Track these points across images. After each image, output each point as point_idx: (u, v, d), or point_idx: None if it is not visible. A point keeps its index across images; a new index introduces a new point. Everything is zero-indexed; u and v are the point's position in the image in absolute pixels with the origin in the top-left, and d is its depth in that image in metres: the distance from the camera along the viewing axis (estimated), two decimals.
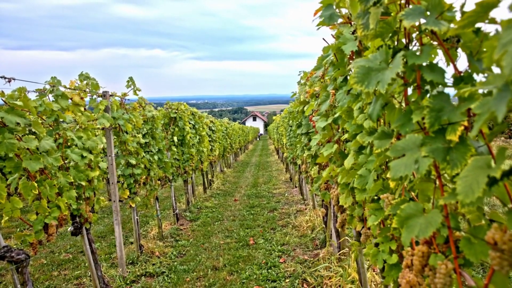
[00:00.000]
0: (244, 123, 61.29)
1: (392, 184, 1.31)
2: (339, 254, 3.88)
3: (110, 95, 4.14)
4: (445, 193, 0.98)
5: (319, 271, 3.87)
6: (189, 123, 7.70)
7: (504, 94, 0.59)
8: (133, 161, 4.49)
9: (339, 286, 3.28)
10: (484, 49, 0.94)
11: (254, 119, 70.65)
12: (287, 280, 3.91)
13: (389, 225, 1.54)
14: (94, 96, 3.87)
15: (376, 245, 1.65)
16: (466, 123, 0.90)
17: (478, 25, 0.91)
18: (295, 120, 5.29)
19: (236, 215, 7.15)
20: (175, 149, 6.58)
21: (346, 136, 1.98)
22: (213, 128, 10.81)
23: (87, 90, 3.61)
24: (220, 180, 11.79)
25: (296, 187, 9.44)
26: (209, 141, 10.27)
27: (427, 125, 0.94)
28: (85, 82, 3.78)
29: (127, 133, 4.43)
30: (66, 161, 3.21)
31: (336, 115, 2.09)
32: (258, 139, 52.54)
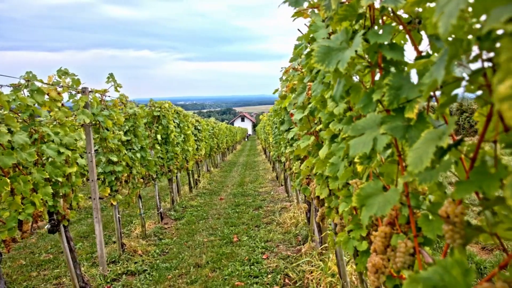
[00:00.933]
0: (232, 123, 61.20)
1: (359, 169, 1.31)
2: (321, 249, 3.88)
3: (90, 91, 4.07)
4: (405, 173, 0.98)
5: (301, 266, 3.87)
6: (174, 122, 7.64)
7: (443, 58, 0.59)
8: (114, 159, 4.43)
9: (320, 280, 3.28)
10: (427, 16, 0.95)
11: (243, 120, 70.64)
12: (269, 276, 3.90)
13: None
14: (74, 92, 3.81)
15: (349, 232, 1.65)
16: (423, 100, 0.90)
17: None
18: (279, 117, 5.28)
19: (221, 213, 7.12)
20: (158, 148, 6.53)
21: (321, 126, 1.98)
22: (199, 128, 10.76)
23: (64, 85, 3.54)
24: (207, 179, 11.73)
25: (282, 185, 9.45)
26: (195, 140, 10.21)
27: (386, 102, 0.94)
28: (67, 79, 3.73)
29: (107, 130, 4.36)
30: (43, 157, 3.15)
31: (310, 105, 2.09)
32: (246, 139, 52.51)
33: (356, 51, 0.94)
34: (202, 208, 7.74)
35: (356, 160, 1.30)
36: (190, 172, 9.61)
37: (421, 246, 0.98)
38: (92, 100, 4.07)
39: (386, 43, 1.02)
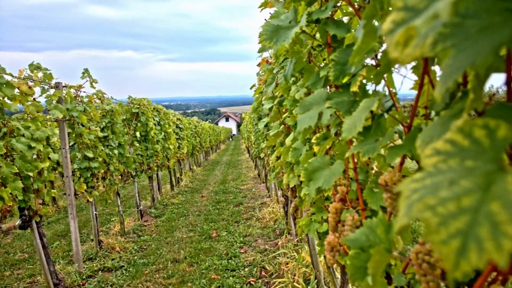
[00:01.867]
0: (217, 123, 60.98)
1: (316, 149, 1.32)
2: (297, 241, 3.90)
3: (64, 86, 4.00)
4: (352, 147, 1.00)
5: (277, 258, 3.88)
6: (154, 120, 7.57)
7: (361, 24, 0.60)
8: (90, 155, 4.36)
9: (295, 270, 3.30)
10: None
11: (227, 120, 70.48)
12: (246, 269, 3.90)
13: (321, 196, 1.56)
14: (47, 87, 3.73)
15: (312, 216, 1.66)
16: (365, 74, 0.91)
17: None
18: (256, 113, 5.29)
19: (202, 210, 7.09)
20: (137, 145, 6.45)
21: (287, 113, 1.99)
22: (180, 126, 10.68)
23: (36, 79, 3.47)
24: (189, 178, 11.66)
25: (263, 182, 9.46)
26: (177, 138, 10.13)
27: (332, 77, 0.95)
28: (40, 74, 3.65)
29: (83, 125, 4.29)
30: (12, 152, 3.08)
31: (276, 93, 2.09)
32: (230, 139, 52.39)
33: (302, 28, 0.95)
34: (183, 205, 7.69)
35: (313, 141, 1.32)
36: (172, 170, 9.53)
37: (367, 218, 1.00)
38: (66, 95, 3.99)
39: (336, 30, 1.03)
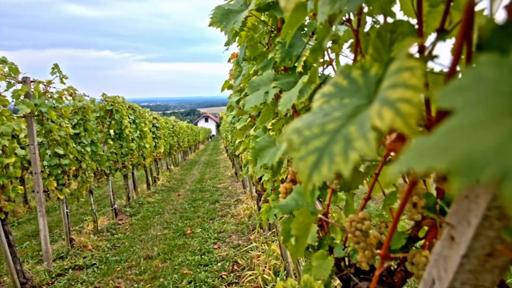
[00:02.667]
0: (196, 124, 60.53)
1: (271, 134, 1.34)
2: (269, 234, 3.93)
3: (32, 81, 3.90)
4: None
5: (249, 252, 3.90)
6: (129, 118, 7.46)
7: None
8: (60, 151, 4.26)
9: (266, 262, 3.32)
10: None
11: (206, 120, 70.11)
12: (219, 264, 3.90)
13: (281, 181, 1.58)
14: (13, 81, 3.63)
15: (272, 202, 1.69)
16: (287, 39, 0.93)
17: None
18: (230, 110, 5.29)
19: (178, 208, 7.03)
20: (112, 143, 6.34)
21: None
22: (157, 125, 10.55)
23: (2, 73, 3.37)
24: (166, 177, 11.54)
25: (240, 180, 9.47)
26: (153, 137, 10.01)
27: (278, 59, 0.97)
28: (5, 68, 3.55)
29: (53, 121, 4.19)
30: None
31: (242, 85, 2.11)
32: (210, 139, 52.13)
33: (251, 12, 0.97)
34: (159, 204, 7.60)
35: (269, 127, 1.33)
36: (148, 169, 9.41)
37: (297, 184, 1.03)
38: (34, 91, 3.89)
39: (282, 14, 1.05)
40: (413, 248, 0.80)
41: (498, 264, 0.46)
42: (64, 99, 4.54)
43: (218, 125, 67.98)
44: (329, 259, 0.84)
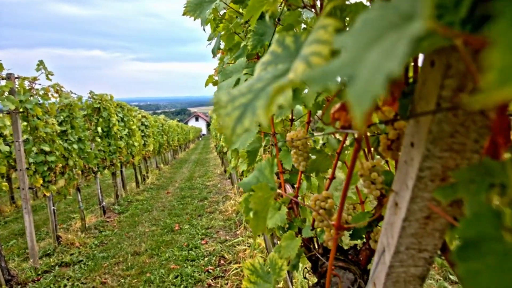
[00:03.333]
0: (186, 123, 60.26)
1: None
2: None
3: (16, 78, 3.85)
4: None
5: (236, 247, 3.91)
6: (117, 116, 7.40)
7: None
8: (46, 148, 4.22)
9: (251, 256, 3.34)
10: None
11: (197, 119, 69.86)
12: (205, 259, 3.91)
13: None
14: None
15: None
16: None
17: None
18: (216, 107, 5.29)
19: (166, 205, 7.01)
20: (99, 140, 6.29)
21: None
22: (146, 123, 10.49)
23: None
24: (155, 175, 11.49)
25: (229, 178, 9.48)
26: (142, 136, 9.96)
27: (250, 47, 0.98)
28: None
29: (38, 118, 4.14)
30: None
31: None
32: (200, 138, 51.96)
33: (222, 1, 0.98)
34: (147, 202, 7.57)
35: None
36: (137, 168, 9.36)
37: (286, 181, 1.04)
38: (18, 87, 3.85)
39: None
40: (378, 227, 0.83)
41: (437, 227, 0.48)
42: (50, 96, 4.50)
43: (208, 124, 67.77)
44: (296, 239, 0.86)
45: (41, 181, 4.23)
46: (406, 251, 0.51)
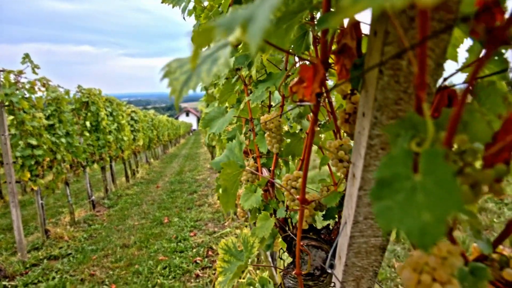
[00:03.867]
0: (177, 118, 59.91)
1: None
2: (243, 220, 3.97)
3: (1, 71, 3.79)
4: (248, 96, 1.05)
5: (223, 238, 3.93)
6: (106, 110, 7.34)
7: None
8: (34, 142, 4.17)
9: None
10: None
11: (187, 115, 69.55)
12: (194, 250, 3.92)
13: None
14: None
15: None
16: None
17: None
18: (206, 101, 5.29)
19: (156, 199, 6.99)
20: (88, 134, 6.23)
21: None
22: (135, 118, 10.41)
23: None
24: (145, 170, 11.43)
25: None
26: (132, 130, 9.89)
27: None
28: None
29: (25, 112, 4.09)
30: None
31: None
32: (191, 134, 51.73)
33: None
34: (137, 196, 7.54)
35: (229, 106, 1.36)
36: (127, 162, 9.30)
37: (263, 165, 1.06)
38: (4, 80, 3.79)
39: None
40: None
41: None
42: (37, 89, 4.44)
43: (199, 119, 67.43)
44: (271, 219, 0.88)
45: (28, 175, 4.19)
46: (364, 221, 0.53)
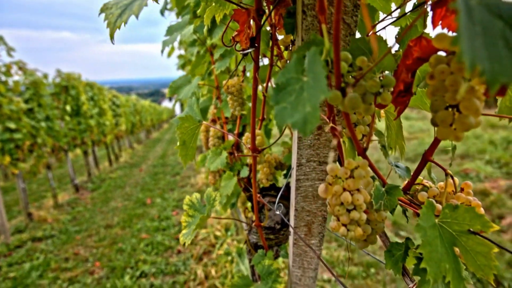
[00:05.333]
0: (160, 103, 58.94)
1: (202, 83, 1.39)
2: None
3: None
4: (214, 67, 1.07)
5: None
6: (87, 95, 7.19)
7: None
8: (12, 125, 4.07)
9: (218, 222, 3.42)
10: None
11: (170, 100, 68.62)
12: (176, 228, 3.96)
13: None
14: None
15: None
16: None
17: None
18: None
19: (139, 182, 6.96)
20: (68, 119, 6.11)
21: None
22: (117, 103, 10.23)
23: None
24: (129, 154, 11.31)
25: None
26: (114, 115, 9.72)
27: (192, 4, 1.00)
28: None
29: (2, 95, 3.98)
30: None
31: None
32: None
33: None
34: (120, 179, 7.48)
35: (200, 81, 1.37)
36: (110, 147, 9.18)
37: (230, 131, 1.09)
38: None
39: None
40: None
41: (329, 138, 0.54)
42: (13, 73, 4.31)
43: (182, 105, 66.54)
44: (233, 179, 0.91)
45: (8, 159, 4.10)
46: (307, 163, 0.57)
